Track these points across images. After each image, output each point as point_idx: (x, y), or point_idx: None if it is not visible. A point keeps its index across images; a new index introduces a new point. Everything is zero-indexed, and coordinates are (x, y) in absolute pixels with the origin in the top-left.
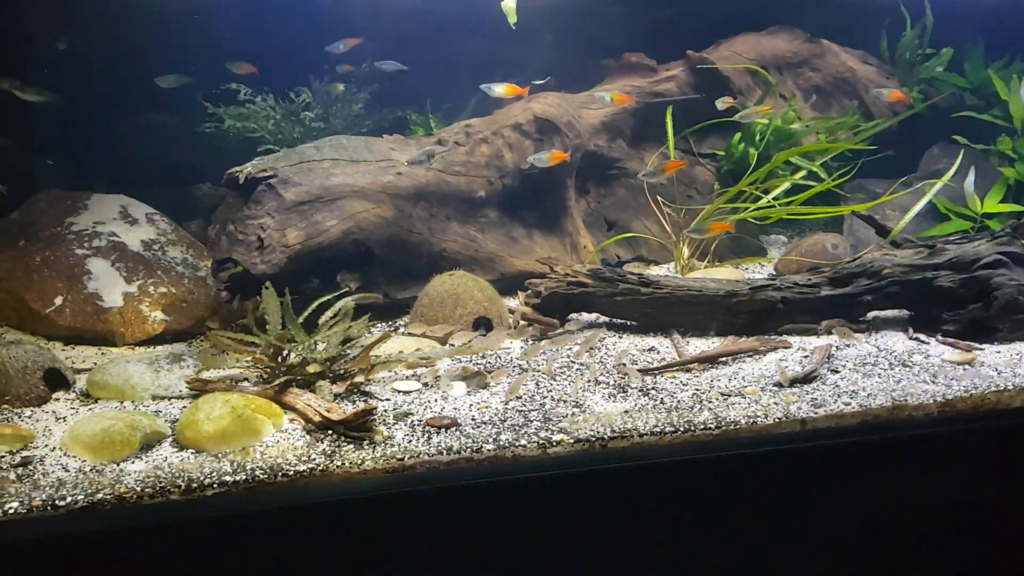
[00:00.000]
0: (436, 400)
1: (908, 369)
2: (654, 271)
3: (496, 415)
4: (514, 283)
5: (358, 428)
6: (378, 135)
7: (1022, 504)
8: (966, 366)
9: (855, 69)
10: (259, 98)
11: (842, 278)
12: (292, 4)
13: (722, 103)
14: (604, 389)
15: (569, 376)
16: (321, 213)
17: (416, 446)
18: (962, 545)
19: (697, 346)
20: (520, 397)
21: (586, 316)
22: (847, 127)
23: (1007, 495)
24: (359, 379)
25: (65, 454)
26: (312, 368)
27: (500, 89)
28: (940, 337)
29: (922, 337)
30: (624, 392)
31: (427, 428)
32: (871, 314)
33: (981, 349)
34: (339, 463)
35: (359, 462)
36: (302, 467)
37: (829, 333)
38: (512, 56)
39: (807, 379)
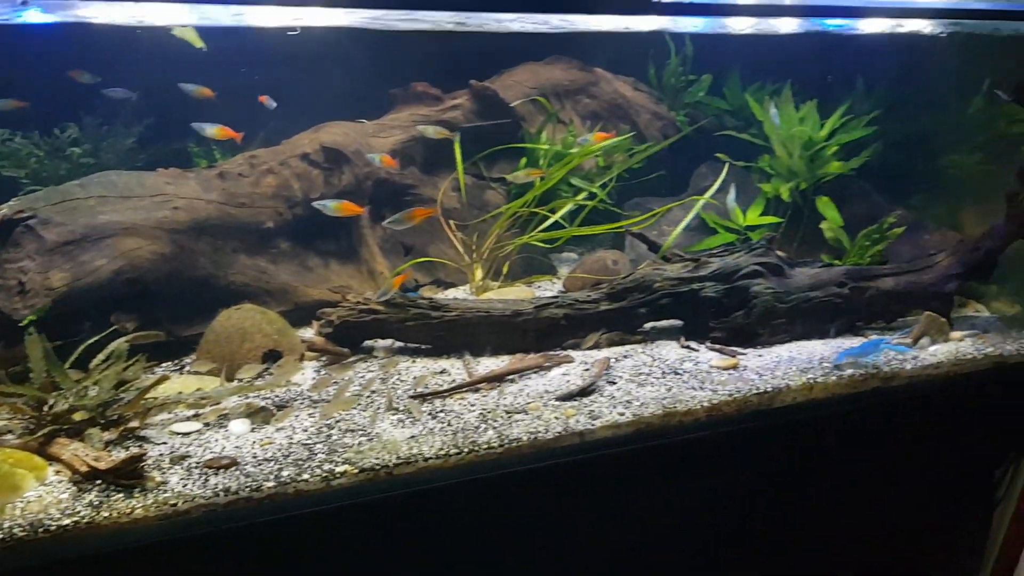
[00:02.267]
0: (217, 440)
1: (679, 377)
2: (451, 294)
3: (280, 451)
4: (311, 313)
5: (128, 476)
6: (155, 169)
7: (783, 497)
8: (731, 371)
9: (627, 95)
10: (18, 136)
11: (618, 293)
12: (64, 37)
13: (435, 132)
14: (394, 416)
15: (359, 405)
16: (88, 253)
17: (192, 489)
18: (732, 539)
19: (487, 366)
20: (307, 430)
21: (381, 343)
22: (622, 149)
23: (770, 490)
24: (134, 424)
25: None
26: (79, 415)
27: (212, 130)
28: (708, 344)
29: (693, 345)
30: (413, 417)
31: (204, 470)
32: (648, 325)
33: (744, 354)
34: (107, 514)
35: (128, 511)
36: (66, 521)
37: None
38: (304, 85)
39: (585, 392)
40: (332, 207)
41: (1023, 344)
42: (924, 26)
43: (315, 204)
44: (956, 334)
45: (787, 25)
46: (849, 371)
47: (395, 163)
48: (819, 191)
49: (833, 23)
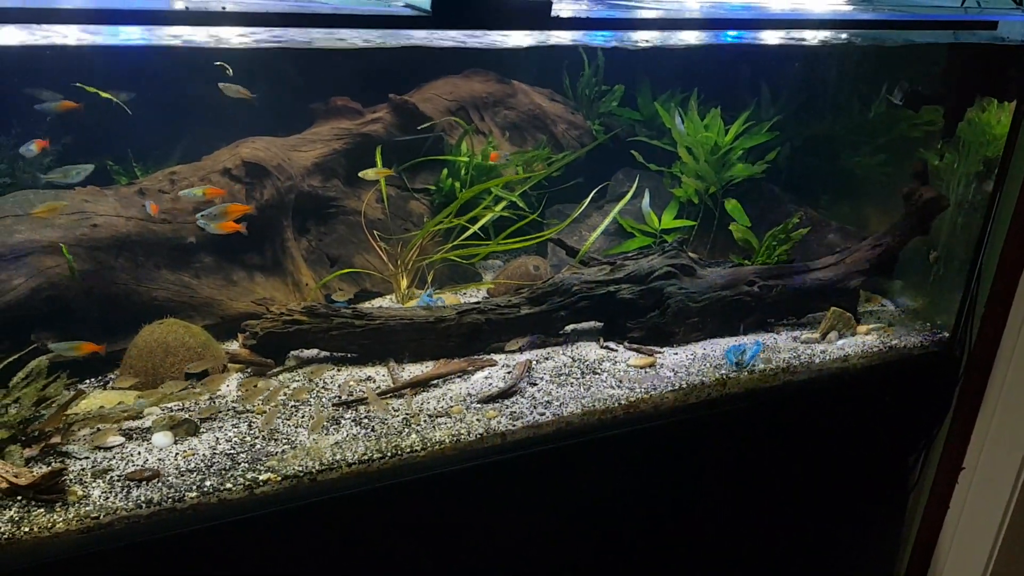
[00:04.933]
0: (140, 453)
1: (598, 376)
2: (377, 303)
3: (203, 461)
4: (237, 326)
5: (48, 491)
6: (72, 188)
7: (703, 491)
8: (648, 369)
9: (543, 106)
10: None
11: (538, 297)
12: None
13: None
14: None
15: (284, 414)
16: (5, 272)
17: (114, 502)
18: (652, 535)
19: (412, 371)
20: (230, 440)
21: (307, 353)
22: (541, 159)
23: (689, 484)
24: (56, 440)
25: None
26: (0, 434)
27: (33, 146)
28: (627, 344)
29: (612, 345)
30: (338, 424)
31: (127, 483)
32: (569, 327)
33: (661, 352)
34: (27, 529)
35: (49, 526)
36: None
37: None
38: (224, 100)
39: (507, 394)
40: (212, 226)
41: (926, 336)
42: (825, 36)
43: (200, 223)
44: (862, 328)
45: (691, 37)
46: (760, 366)
47: (223, 192)
48: (728, 194)
49: (732, 34)
